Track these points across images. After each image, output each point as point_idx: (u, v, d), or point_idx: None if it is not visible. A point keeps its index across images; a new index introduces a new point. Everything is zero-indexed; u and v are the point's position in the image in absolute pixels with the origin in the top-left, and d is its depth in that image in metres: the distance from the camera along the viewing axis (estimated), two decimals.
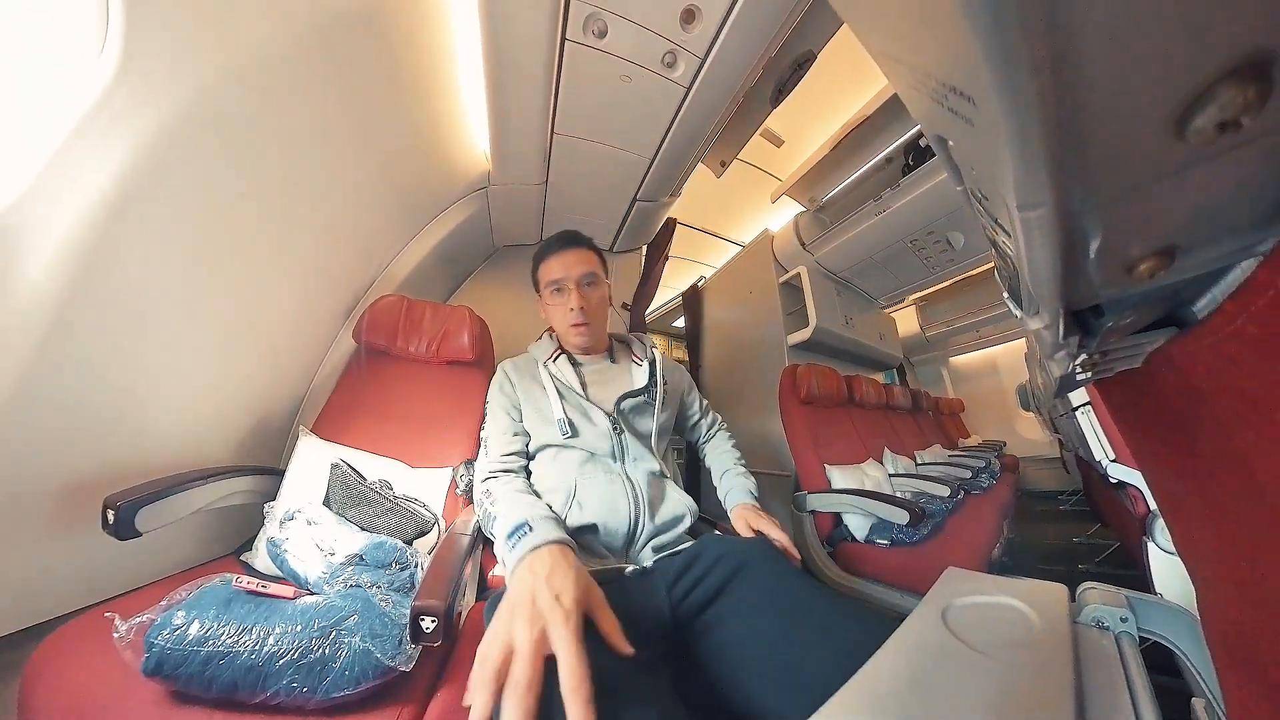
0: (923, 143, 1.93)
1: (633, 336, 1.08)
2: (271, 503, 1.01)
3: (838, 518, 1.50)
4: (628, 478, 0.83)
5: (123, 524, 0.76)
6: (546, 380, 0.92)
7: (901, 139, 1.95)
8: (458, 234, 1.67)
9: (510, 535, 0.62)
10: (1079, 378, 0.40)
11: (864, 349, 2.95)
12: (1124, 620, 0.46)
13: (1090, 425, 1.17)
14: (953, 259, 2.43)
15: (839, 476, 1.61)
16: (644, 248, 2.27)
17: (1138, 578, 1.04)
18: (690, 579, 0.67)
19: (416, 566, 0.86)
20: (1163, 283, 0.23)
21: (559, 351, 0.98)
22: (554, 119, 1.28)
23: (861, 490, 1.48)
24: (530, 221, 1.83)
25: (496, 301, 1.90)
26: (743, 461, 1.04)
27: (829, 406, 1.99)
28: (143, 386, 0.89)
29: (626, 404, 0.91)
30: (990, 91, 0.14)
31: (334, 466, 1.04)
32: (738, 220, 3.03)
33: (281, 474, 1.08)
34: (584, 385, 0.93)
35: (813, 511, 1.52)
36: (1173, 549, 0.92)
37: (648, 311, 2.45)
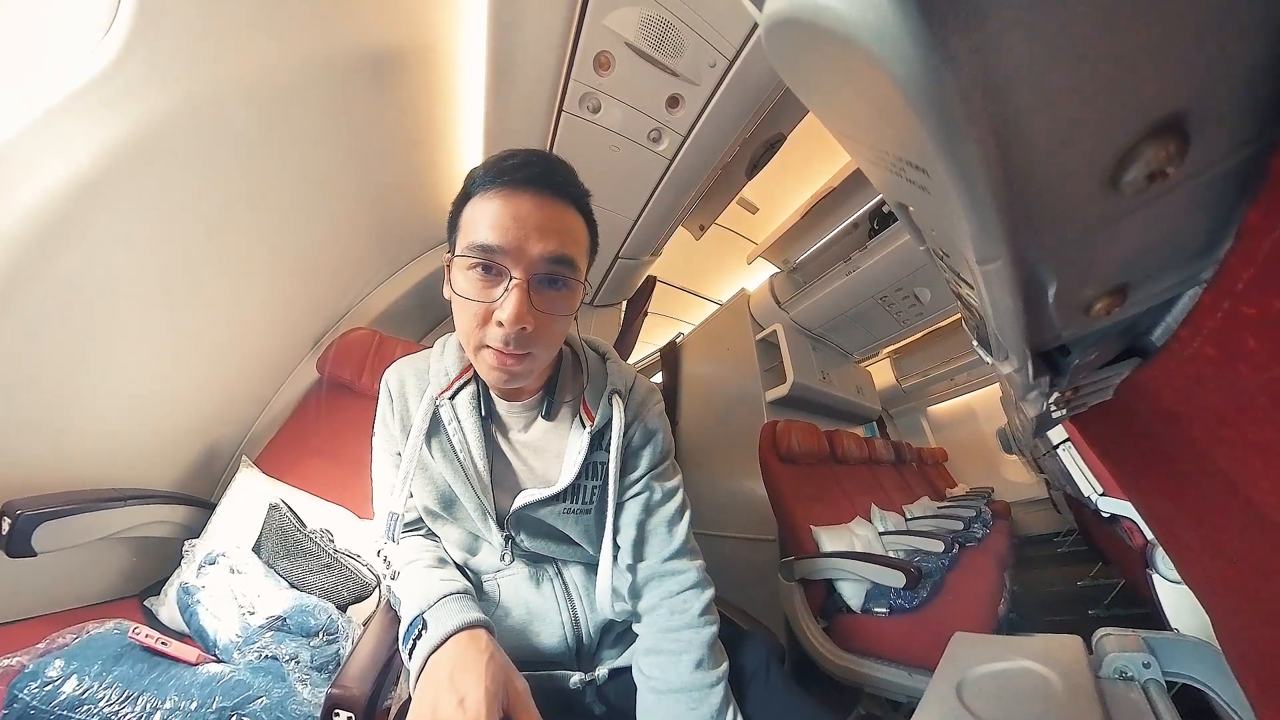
0: (885, 209, 2.12)
1: (594, 352, 0.66)
2: (194, 540, 0.89)
3: (830, 586, 1.41)
4: (559, 576, 0.62)
5: (18, 537, 0.65)
6: (423, 423, 0.56)
7: (866, 206, 2.14)
8: (438, 276, 1.65)
9: (405, 639, 0.49)
10: (1054, 415, 0.42)
11: (842, 403, 3.01)
12: (1147, 666, 0.45)
13: (1073, 461, 1.18)
14: (921, 313, 2.59)
15: (827, 538, 1.54)
16: (624, 303, 2.34)
17: (1150, 615, 0.99)
18: None
19: (346, 639, 0.76)
20: (1119, 318, 0.26)
21: (466, 378, 0.58)
22: None
23: (852, 553, 1.42)
24: None
25: None
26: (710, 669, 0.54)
27: (811, 464, 1.96)
28: (75, 386, 0.80)
29: (538, 513, 0.58)
30: (939, 165, 0.15)
31: (272, 508, 0.93)
32: (715, 280, 3.18)
33: (212, 508, 0.97)
34: (488, 462, 0.57)
35: (802, 580, 1.44)
36: (1178, 577, 0.90)
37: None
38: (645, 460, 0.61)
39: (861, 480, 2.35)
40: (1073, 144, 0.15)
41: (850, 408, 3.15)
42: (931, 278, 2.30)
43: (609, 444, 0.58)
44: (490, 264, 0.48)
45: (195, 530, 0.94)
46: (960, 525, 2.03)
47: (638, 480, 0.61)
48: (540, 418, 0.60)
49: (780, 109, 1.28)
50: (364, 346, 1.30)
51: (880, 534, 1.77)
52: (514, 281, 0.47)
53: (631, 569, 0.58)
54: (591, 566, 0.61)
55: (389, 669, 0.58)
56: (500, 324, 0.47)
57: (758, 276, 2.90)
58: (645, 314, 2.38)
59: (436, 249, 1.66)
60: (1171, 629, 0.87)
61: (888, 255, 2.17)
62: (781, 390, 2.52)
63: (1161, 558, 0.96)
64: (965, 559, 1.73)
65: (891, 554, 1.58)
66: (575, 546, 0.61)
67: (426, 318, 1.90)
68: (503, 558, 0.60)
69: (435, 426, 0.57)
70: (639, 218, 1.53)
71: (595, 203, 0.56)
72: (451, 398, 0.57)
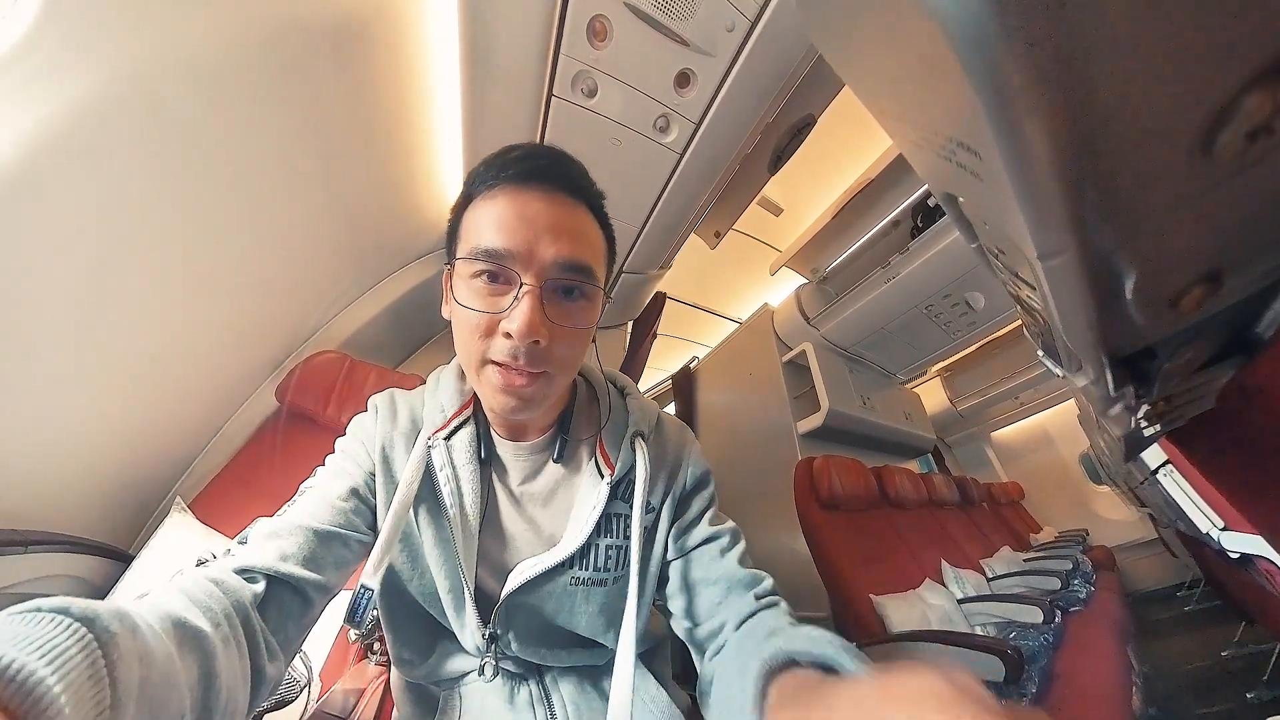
0: (931, 202, 2.10)
1: (613, 387, 0.64)
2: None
3: None
4: (542, 690, 0.56)
5: None
6: (416, 475, 0.52)
7: (908, 200, 2.12)
8: (418, 293, 1.66)
9: None
10: (1147, 433, 0.40)
11: (889, 432, 2.92)
12: None
13: (1180, 489, 1.09)
14: (974, 322, 2.51)
15: (894, 612, 1.41)
16: (630, 324, 2.35)
17: None
18: None
19: None
20: (1214, 310, 0.25)
21: (465, 416, 0.56)
22: None
23: (931, 632, 1.30)
24: None
25: None
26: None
27: (859, 509, 1.86)
28: None
29: (538, 591, 0.54)
30: (996, 143, 0.15)
31: (201, 563, 0.88)
32: (734, 295, 3.20)
33: (130, 560, 0.91)
34: (480, 523, 0.53)
35: None
36: None
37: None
38: (699, 503, 0.59)
39: (924, 528, 2.25)
40: (1160, 100, 0.14)
41: (899, 438, 3.07)
42: (984, 280, 2.27)
43: (630, 495, 0.53)
44: (496, 270, 0.46)
45: (104, 589, 0.88)
46: (1056, 583, 1.89)
47: (694, 524, 0.57)
48: (551, 461, 0.56)
49: (809, 84, 1.24)
50: (332, 372, 1.28)
51: (959, 601, 1.65)
52: (525, 289, 0.45)
53: (713, 636, 0.51)
54: (591, 674, 0.56)
55: None
56: (508, 335, 0.45)
57: (782, 290, 2.91)
58: (654, 336, 2.39)
59: (415, 264, 1.65)
60: None
61: (933, 257, 2.13)
62: (816, 420, 2.47)
63: None
64: (1072, 630, 1.60)
65: (978, 630, 1.47)
66: (576, 648, 0.55)
67: (404, 342, 1.88)
68: (481, 670, 0.54)
69: (425, 480, 0.52)
70: (645, 225, 1.52)
71: None
72: (447, 439, 0.54)
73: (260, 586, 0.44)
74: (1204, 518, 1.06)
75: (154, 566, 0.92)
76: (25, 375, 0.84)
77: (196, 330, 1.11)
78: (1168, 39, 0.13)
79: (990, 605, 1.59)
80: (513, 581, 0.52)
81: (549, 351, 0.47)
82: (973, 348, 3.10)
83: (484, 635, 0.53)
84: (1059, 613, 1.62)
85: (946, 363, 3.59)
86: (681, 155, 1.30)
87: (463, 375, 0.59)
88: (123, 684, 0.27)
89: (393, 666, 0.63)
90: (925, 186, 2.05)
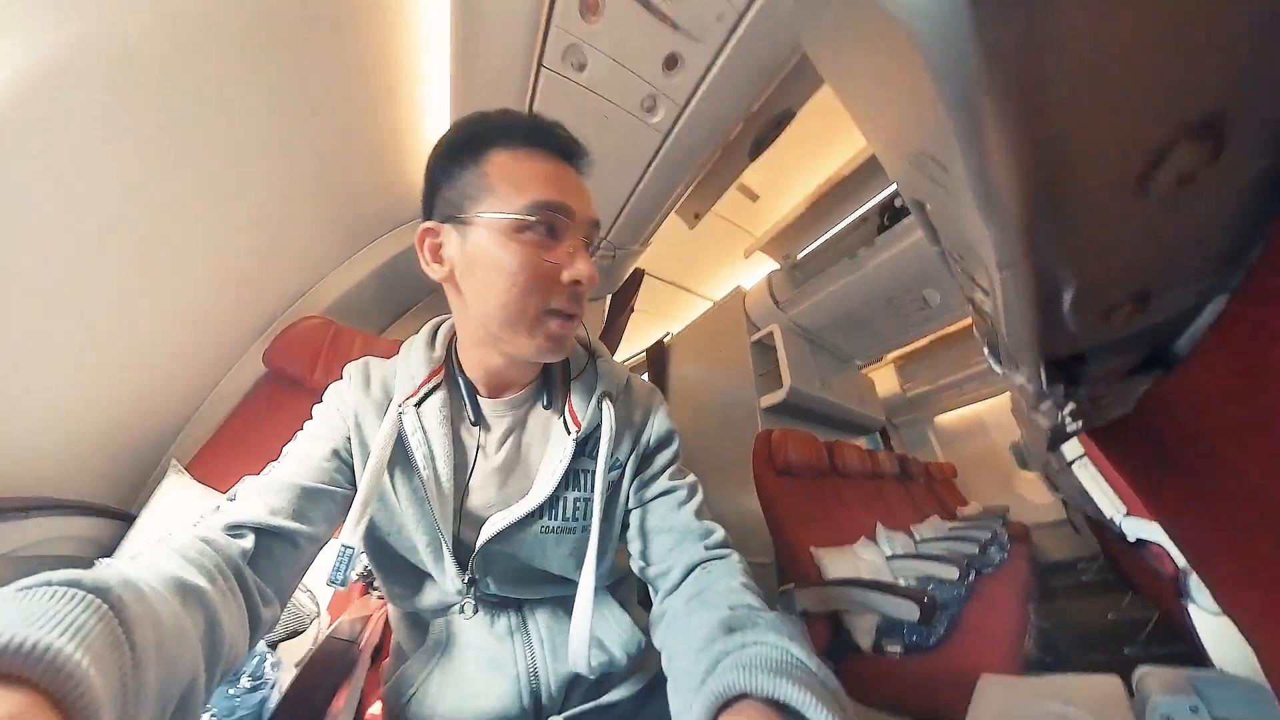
0: (898, 202, 2.18)
1: (581, 348, 0.64)
2: (108, 560, 0.84)
3: (836, 620, 1.42)
4: (520, 619, 0.59)
5: None
6: (388, 442, 0.52)
7: (877, 198, 2.20)
8: (404, 258, 1.62)
9: None
10: (1069, 428, 0.44)
11: (843, 411, 3.07)
12: (1195, 710, 0.45)
13: (1092, 479, 1.20)
14: (929, 316, 2.66)
15: (829, 562, 1.55)
16: (608, 298, 2.34)
17: (1192, 651, 0.99)
18: None
19: (273, 687, 0.72)
20: (1141, 326, 0.27)
21: (435, 383, 0.56)
22: None
23: (859, 580, 1.44)
24: None
25: None
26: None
27: (810, 477, 1.99)
28: None
29: (511, 540, 0.55)
30: (960, 158, 0.16)
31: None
32: (709, 275, 3.21)
33: (132, 519, 0.93)
34: (453, 482, 0.54)
35: (804, 612, 1.43)
36: (1217, 608, 0.90)
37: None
38: (663, 459, 0.61)
39: (865, 496, 2.40)
40: (1108, 140, 0.16)
41: (851, 417, 3.22)
42: (941, 279, 2.36)
43: (596, 451, 0.56)
44: (554, 224, 0.48)
45: (109, 548, 0.90)
46: (975, 549, 2.05)
47: (656, 478, 0.60)
48: (528, 415, 0.59)
49: (791, 79, 1.26)
50: (317, 337, 1.27)
51: (889, 558, 1.79)
52: (578, 241, 0.50)
53: (663, 576, 0.54)
54: (563, 604, 0.58)
55: None
56: (577, 282, 0.49)
57: (755, 273, 2.94)
58: (631, 310, 2.38)
59: (400, 229, 1.61)
60: (1214, 666, 0.88)
61: (897, 253, 2.23)
62: (777, 396, 2.56)
63: (1196, 585, 0.97)
64: (983, 588, 1.77)
65: (902, 581, 1.60)
66: (548, 584, 0.58)
67: (389, 307, 1.85)
68: (461, 609, 0.57)
69: (398, 445, 0.54)
70: (628, 200, 1.53)
71: None
72: (418, 405, 0.55)
73: (248, 542, 0.45)
74: (1110, 504, 1.15)
75: (155, 525, 0.93)
76: (20, 348, 0.82)
77: (184, 297, 1.09)
78: (1120, 82, 0.14)
79: (915, 563, 1.74)
80: (486, 532, 0.54)
81: (585, 301, 0.52)
82: (925, 340, 3.24)
83: (464, 580, 0.55)
84: (974, 572, 1.79)
85: (901, 352, 3.75)
86: (666, 136, 1.30)
87: (432, 344, 0.60)
88: (140, 646, 0.28)
89: (388, 599, 0.66)
90: (893, 187, 2.09)
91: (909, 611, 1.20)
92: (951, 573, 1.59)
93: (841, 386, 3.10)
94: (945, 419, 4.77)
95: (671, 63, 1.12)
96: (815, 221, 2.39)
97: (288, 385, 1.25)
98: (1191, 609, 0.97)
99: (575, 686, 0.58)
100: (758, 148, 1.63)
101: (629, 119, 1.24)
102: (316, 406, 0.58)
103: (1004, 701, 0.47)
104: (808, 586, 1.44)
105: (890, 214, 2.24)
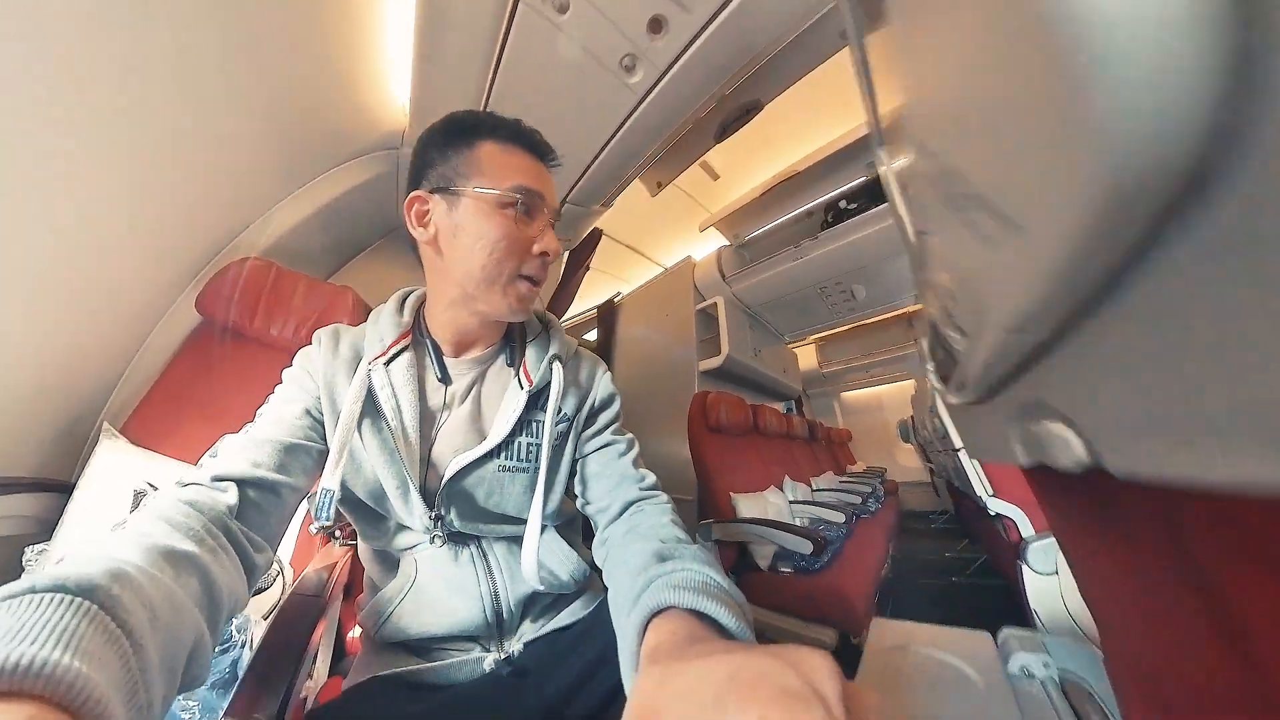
0: (843, 204, 2.35)
1: (543, 321, 0.71)
2: (42, 545, 0.77)
3: (742, 547, 1.65)
4: (479, 550, 0.64)
5: None
6: (359, 397, 0.56)
7: (825, 197, 2.35)
8: (354, 196, 1.45)
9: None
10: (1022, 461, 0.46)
11: (769, 380, 3.35)
12: (1046, 666, 0.53)
13: (969, 464, 1.47)
14: (854, 307, 2.96)
15: (744, 504, 1.79)
16: (565, 254, 2.31)
17: (1004, 586, 1.25)
18: (573, 670, 0.57)
19: (243, 647, 0.71)
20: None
21: (404, 344, 0.61)
22: (491, 86, 1.20)
23: (766, 520, 1.66)
24: None
25: (390, 288, 1.76)
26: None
27: (736, 435, 2.21)
28: None
29: (472, 476, 0.60)
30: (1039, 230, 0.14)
31: (137, 495, 0.85)
32: (663, 242, 3.24)
33: (70, 490, 0.85)
34: (419, 433, 0.58)
35: (718, 541, 1.66)
36: (1045, 571, 1.15)
37: (561, 320, 2.48)
38: (605, 417, 0.69)
39: (778, 452, 2.67)
40: None
41: (775, 385, 3.49)
42: (870, 278, 2.59)
43: (545, 405, 0.62)
44: (531, 205, 0.57)
45: (50, 522, 0.82)
46: (859, 499, 2.44)
47: (599, 433, 0.68)
48: (489, 371, 0.66)
49: (766, 71, 1.27)
50: (257, 280, 1.14)
51: (790, 502, 2.08)
52: (548, 221, 0.59)
53: (603, 512, 0.62)
54: (518, 539, 0.63)
55: (297, 672, 0.55)
56: (546, 254, 0.58)
57: (706, 246, 3.01)
58: (587, 268, 2.37)
59: (352, 163, 1.42)
60: (1032, 613, 1.13)
61: (835, 250, 2.44)
62: (715, 362, 2.72)
63: (1033, 552, 1.19)
64: (860, 528, 2.12)
65: (799, 521, 1.87)
66: (505, 522, 0.64)
67: (337, 250, 1.66)
68: (431, 540, 0.62)
69: (368, 400, 0.57)
70: (595, 159, 1.50)
71: (547, 132, 0.63)
72: (386, 364, 0.59)
73: (232, 495, 0.46)
74: (980, 486, 1.45)
75: (93, 494, 0.85)
76: None
77: (105, 239, 0.93)
78: None
79: (811, 508, 2.03)
80: (450, 469, 0.59)
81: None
82: (846, 326, 3.52)
83: (430, 517, 0.59)
84: (855, 517, 2.16)
85: (824, 334, 4.06)
86: (642, 99, 1.27)
87: (400, 310, 0.65)
88: (137, 631, 0.28)
89: (359, 539, 0.70)
90: (841, 189, 2.23)
91: (804, 547, 1.46)
92: (839, 517, 1.90)
93: (770, 358, 3.33)
94: (851, 395, 5.39)
95: (656, 25, 1.07)
96: (767, 208, 2.50)
97: (223, 334, 1.13)
98: (1025, 570, 1.20)
99: (531, 605, 0.65)
100: (724, 131, 1.66)
101: (606, 75, 1.18)
102: (286, 370, 0.61)
103: (893, 641, 0.54)
104: (724, 522, 1.67)
105: (835, 213, 2.42)
